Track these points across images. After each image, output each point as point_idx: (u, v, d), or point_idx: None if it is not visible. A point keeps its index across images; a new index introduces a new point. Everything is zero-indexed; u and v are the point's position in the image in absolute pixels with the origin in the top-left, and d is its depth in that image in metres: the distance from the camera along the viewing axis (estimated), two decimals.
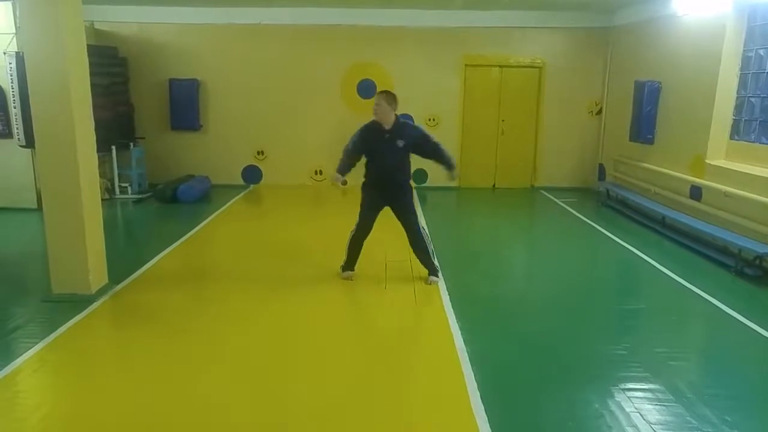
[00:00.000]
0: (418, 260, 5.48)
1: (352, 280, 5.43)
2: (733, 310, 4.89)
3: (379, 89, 9.88)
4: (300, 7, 9.62)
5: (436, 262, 5.46)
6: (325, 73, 10.03)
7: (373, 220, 5.34)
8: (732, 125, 7.01)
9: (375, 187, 5.26)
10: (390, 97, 5.12)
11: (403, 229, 5.35)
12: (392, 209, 5.32)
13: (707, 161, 7.04)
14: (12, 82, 7.54)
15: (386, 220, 5.35)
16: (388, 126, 5.10)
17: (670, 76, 7.96)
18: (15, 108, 7.60)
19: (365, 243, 5.38)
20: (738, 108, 6.94)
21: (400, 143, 5.10)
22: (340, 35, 9.93)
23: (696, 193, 7.13)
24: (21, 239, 7.06)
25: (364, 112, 10.04)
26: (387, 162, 5.18)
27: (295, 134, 10.22)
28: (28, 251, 6.46)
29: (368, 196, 5.34)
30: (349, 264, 5.48)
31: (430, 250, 5.40)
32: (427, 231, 5.42)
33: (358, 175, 5.37)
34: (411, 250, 5.47)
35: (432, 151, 5.24)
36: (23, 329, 4.40)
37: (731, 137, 7.02)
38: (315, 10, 9.66)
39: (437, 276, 5.43)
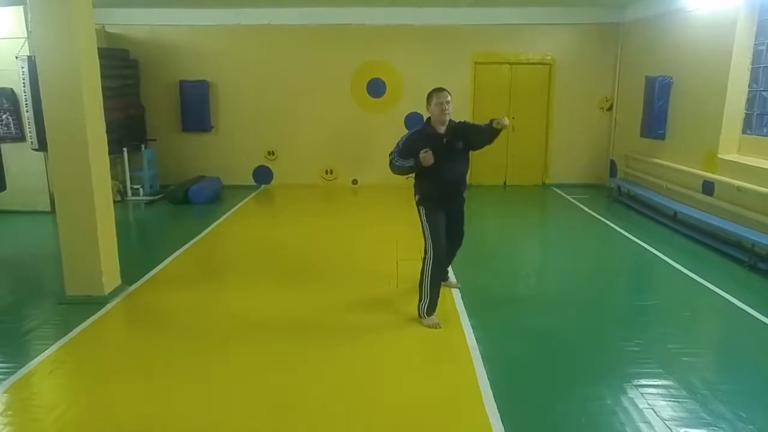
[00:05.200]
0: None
1: (440, 327, 4.45)
2: (747, 305, 4.85)
3: (390, 88, 9.99)
4: (309, 7, 9.65)
5: None
6: (334, 72, 10.05)
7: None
8: (744, 119, 6.94)
9: (440, 201, 4.51)
10: (449, 94, 4.46)
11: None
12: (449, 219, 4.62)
13: (719, 156, 6.97)
14: (24, 86, 7.62)
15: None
16: (443, 129, 4.41)
17: (681, 70, 7.89)
18: (28, 112, 7.68)
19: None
20: (750, 102, 6.87)
21: (459, 145, 4.43)
22: (349, 34, 9.95)
23: (708, 188, 7.06)
24: (35, 242, 7.14)
25: (373, 111, 10.15)
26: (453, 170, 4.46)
27: (305, 134, 10.25)
28: (43, 253, 6.54)
29: (434, 215, 4.50)
30: (433, 305, 4.53)
31: None
32: None
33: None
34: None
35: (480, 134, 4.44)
36: (38, 330, 4.46)
37: (743, 131, 6.95)
38: (324, 9, 9.68)
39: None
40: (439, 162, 4.28)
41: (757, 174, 6.23)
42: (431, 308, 4.53)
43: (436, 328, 4.43)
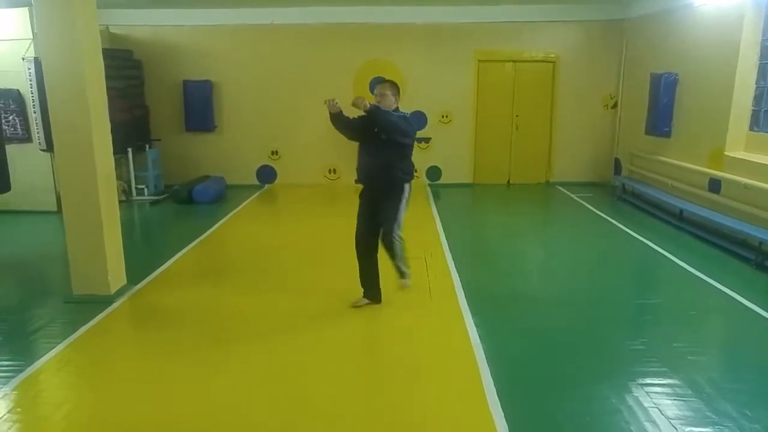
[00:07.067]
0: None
1: (357, 305, 4.76)
2: (753, 303, 4.83)
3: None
4: (311, 6, 9.65)
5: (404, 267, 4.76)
6: (337, 71, 10.04)
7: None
8: (751, 116, 6.90)
9: (363, 187, 4.80)
10: (394, 87, 4.73)
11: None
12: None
13: (726, 153, 6.93)
14: (32, 87, 7.67)
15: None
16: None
17: (688, 67, 7.85)
18: (35, 113, 7.73)
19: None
20: (757, 98, 6.84)
21: (383, 135, 4.57)
22: (352, 33, 9.95)
23: (715, 185, 7.03)
24: (42, 241, 7.17)
25: None
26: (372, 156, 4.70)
27: (308, 133, 10.24)
28: (49, 253, 6.57)
29: (360, 199, 4.80)
30: (362, 284, 4.83)
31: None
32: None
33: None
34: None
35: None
36: (46, 329, 4.49)
37: (751, 128, 6.91)
38: (326, 8, 9.67)
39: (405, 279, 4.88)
40: (361, 147, 4.85)
41: (765, 171, 6.19)
42: (364, 289, 4.81)
43: (355, 305, 4.75)
